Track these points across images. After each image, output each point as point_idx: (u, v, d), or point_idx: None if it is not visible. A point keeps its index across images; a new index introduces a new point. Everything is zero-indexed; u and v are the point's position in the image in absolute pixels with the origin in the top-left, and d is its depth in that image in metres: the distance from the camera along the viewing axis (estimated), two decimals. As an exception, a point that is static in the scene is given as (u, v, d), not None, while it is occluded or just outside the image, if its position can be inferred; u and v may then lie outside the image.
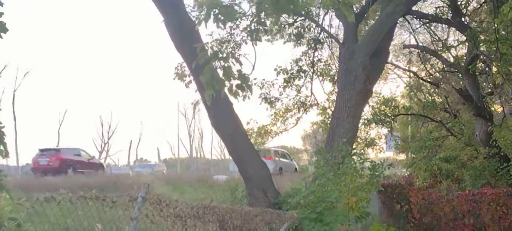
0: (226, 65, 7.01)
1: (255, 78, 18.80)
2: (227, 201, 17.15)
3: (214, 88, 6.88)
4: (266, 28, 7.67)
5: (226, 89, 7.17)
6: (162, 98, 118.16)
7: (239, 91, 7.17)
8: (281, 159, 37.00)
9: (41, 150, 31.75)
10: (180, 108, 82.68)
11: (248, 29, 8.68)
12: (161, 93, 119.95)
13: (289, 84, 19.17)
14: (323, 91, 20.59)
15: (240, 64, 7.30)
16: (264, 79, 19.02)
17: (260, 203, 11.94)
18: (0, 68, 59.07)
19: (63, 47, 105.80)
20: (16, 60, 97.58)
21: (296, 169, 40.17)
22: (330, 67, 19.92)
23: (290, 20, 18.37)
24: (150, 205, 6.20)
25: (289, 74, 19.00)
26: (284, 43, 19.65)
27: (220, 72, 7.13)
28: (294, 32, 19.10)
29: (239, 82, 7.14)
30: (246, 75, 7.11)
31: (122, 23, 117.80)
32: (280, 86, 19.18)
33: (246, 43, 17.25)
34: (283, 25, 18.73)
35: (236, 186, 19.67)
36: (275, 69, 18.90)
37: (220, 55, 7.07)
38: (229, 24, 16.28)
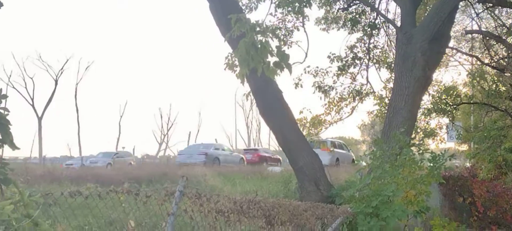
0: (263, 40, 6.40)
1: (308, 66, 18.13)
2: (280, 194, 16.67)
3: (248, 66, 6.30)
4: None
5: (262, 68, 6.56)
6: (219, 89, 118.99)
7: (277, 70, 6.54)
8: (338, 150, 36.42)
9: (246, 149, 44.82)
10: (237, 100, 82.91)
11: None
12: (218, 84, 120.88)
13: (343, 72, 18.43)
14: (379, 79, 19.77)
15: (279, 40, 6.66)
16: (317, 67, 18.35)
17: (311, 197, 11.39)
18: (63, 62, 61.31)
19: (123, 40, 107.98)
20: (78, 54, 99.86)
21: (353, 160, 39.56)
22: (386, 54, 19.09)
23: (344, 5, 17.66)
24: (189, 200, 5.80)
25: (344, 62, 18.27)
26: (338, 29, 18.96)
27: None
28: (348, 18, 18.36)
29: (277, 60, 6.51)
30: (285, 52, 6.48)
31: (181, 14, 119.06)
32: (334, 75, 18.48)
33: (298, 30, 16.74)
34: (337, 11, 18.04)
35: (289, 177, 19.24)
36: (329, 57, 18.23)
37: (258, 28, 6.46)
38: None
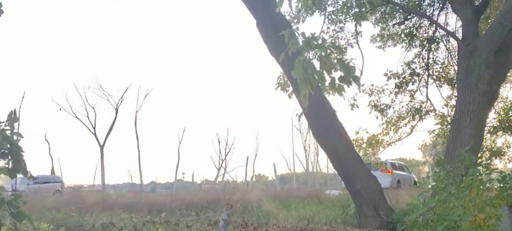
0: (323, 54, 5.76)
1: (363, 85, 17.37)
2: (338, 219, 15.93)
3: (310, 84, 5.68)
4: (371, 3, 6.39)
5: (327, 85, 5.90)
6: (276, 113, 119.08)
7: (344, 85, 5.89)
8: (398, 172, 35.32)
9: None
10: (294, 123, 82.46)
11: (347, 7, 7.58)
12: (275, 107, 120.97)
13: (401, 90, 17.53)
14: (440, 96, 18.64)
15: (341, 52, 6.03)
16: (373, 85, 17.57)
17: (370, 222, 10.66)
18: (123, 91, 62.77)
19: (179, 66, 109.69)
20: (137, 82, 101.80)
21: (415, 182, 38.34)
22: (447, 69, 18.06)
23: (401, 19, 16.90)
24: (235, 229, 5.34)
25: (401, 79, 17.37)
26: (395, 45, 18.16)
27: (316, 65, 5.93)
28: (405, 32, 17.52)
29: (342, 74, 5.84)
30: (351, 64, 5.84)
31: (235, 37, 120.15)
32: (391, 92, 17.62)
33: (352, 46, 16.14)
34: (393, 25, 17.28)
35: (347, 201, 18.57)
36: (385, 74, 17.40)
37: (314, 42, 5.83)
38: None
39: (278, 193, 28.16)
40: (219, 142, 77.55)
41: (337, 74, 5.99)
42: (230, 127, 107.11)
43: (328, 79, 5.98)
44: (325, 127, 11.41)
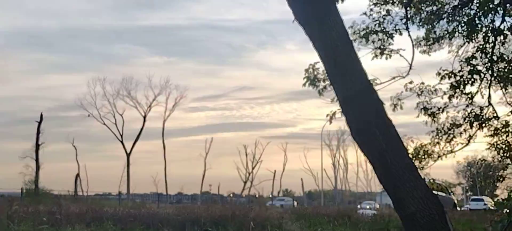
0: None
1: (410, 82, 14.33)
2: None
3: None
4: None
5: None
6: (304, 126, 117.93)
7: None
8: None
9: None
10: (324, 139, 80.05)
11: None
12: (304, 119, 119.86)
13: (457, 92, 14.42)
14: (505, 100, 15.42)
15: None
16: (422, 84, 14.51)
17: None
18: (151, 99, 61.92)
19: (207, 74, 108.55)
20: (167, 90, 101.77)
21: (455, 205, 35.19)
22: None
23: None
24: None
25: (458, 78, 14.26)
26: (450, 38, 15.17)
27: None
28: (464, 20, 14.47)
29: None
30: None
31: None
32: (445, 94, 14.57)
33: (400, 33, 13.34)
34: (453, 7, 14.28)
35: (386, 223, 15.94)
36: (439, 73, 14.40)
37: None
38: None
39: (303, 210, 25.64)
40: (246, 155, 75.65)
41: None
42: (258, 139, 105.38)
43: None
44: (369, 123, 8.21)
